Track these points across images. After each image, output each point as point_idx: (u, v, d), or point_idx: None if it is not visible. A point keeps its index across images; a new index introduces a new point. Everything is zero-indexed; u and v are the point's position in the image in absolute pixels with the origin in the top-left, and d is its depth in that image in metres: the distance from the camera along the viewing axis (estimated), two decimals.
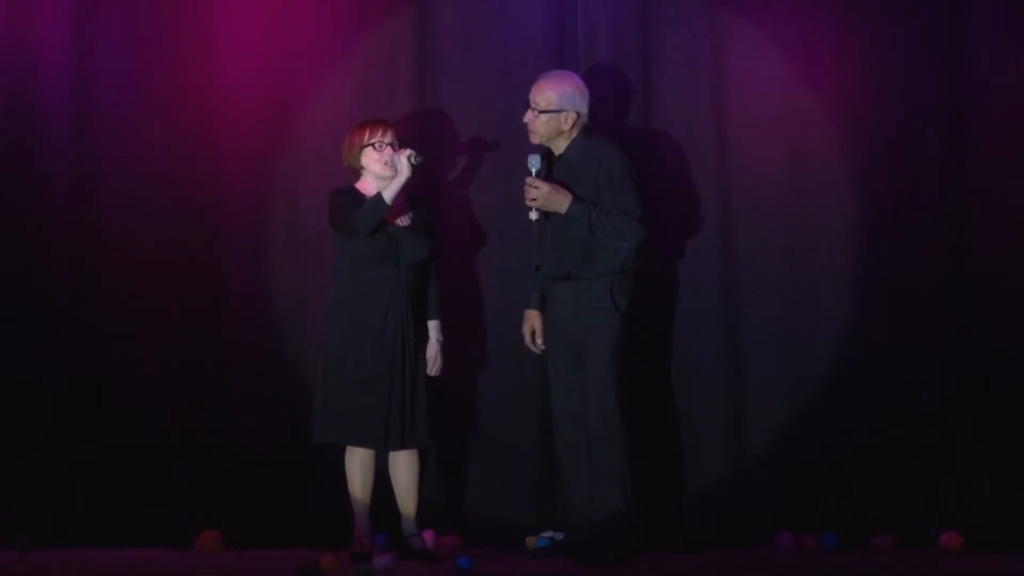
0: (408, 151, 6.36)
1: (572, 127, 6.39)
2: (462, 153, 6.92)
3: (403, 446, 6.39)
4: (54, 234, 6.92)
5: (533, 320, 6.59)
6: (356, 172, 6.52)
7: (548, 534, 6.61)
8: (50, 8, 6.95)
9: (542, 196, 6.33)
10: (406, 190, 6.38)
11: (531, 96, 6.40)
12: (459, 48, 6.95)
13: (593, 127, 6.45)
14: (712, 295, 6.88)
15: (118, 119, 6.94)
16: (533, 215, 6.38)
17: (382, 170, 6.42)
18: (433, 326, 6.52)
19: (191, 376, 6.89)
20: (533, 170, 6.37)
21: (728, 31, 6.90)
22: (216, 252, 6.94)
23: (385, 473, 6.46)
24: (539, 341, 6.56)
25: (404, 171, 6.33)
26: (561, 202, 6.32)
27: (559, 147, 6.44)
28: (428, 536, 6.57)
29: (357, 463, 6.41)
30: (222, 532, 6.63)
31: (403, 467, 6.45)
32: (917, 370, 6.81)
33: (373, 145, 6.45)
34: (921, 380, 6.81)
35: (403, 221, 6.47)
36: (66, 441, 6.82)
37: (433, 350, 6.50)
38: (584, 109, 6.39)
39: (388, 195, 6.30)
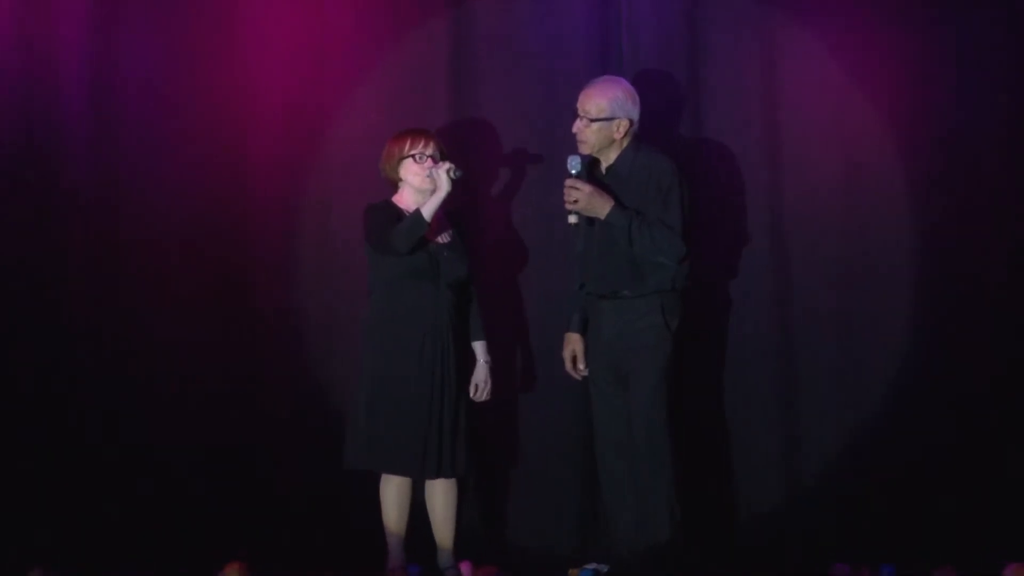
0: (448, 164, 6.16)
1: (624, 136, 6.19)
2: (500, 162, 6.76)
3: (441, 475, 6.22)
4: (73, 249, 6.77)
5: (574, 344, 6.38)
6: (394, 184, 6.33)
7: (591, 566, 6.43)
8: (67, 16, 6.78)
9: (583, 198, 6.12)
10: (444, 204, 6.19)
11: (579, 104, 6.19)
12: (496, 50, 6.78)
13: (642, 136, 6.26)
14: (764, 313, 6.71)
15: (140, 130, 6.78)
16: (572, 219, 6.19)
17: (421, 183, 6.23)
18: (479, 347, 6.36)
19: (217, 397, 6.74)
20: (573, 171, 6.17)
21: (779, 35, 6.73)
22: (243, 267, 6.78)
23: (420, 501, 6.32)
24: (581, 366, 6.36)
25: (444, 186, 6.13)
26: (602, 206, 6.12)
27: (609, 158, 6.24)
28: (465, 568, 6.41)
29: (393, 492, 6.24)
30: (248, 562, 6.41)
31: (440, 497, 6.28)
32: (976, 398, 6.64)
33: (414, 156, 6.25)
34: (980, 408, 6.63)
35: (443, 238, 6.28)
36: (85, 466, 6.68)
37: (482, 373, 6.35)
38: (636, 116, 6.19)
39: (427, 212, 6.11)
